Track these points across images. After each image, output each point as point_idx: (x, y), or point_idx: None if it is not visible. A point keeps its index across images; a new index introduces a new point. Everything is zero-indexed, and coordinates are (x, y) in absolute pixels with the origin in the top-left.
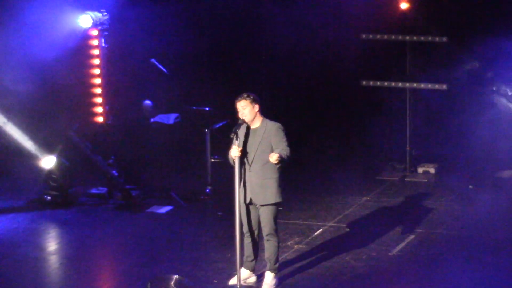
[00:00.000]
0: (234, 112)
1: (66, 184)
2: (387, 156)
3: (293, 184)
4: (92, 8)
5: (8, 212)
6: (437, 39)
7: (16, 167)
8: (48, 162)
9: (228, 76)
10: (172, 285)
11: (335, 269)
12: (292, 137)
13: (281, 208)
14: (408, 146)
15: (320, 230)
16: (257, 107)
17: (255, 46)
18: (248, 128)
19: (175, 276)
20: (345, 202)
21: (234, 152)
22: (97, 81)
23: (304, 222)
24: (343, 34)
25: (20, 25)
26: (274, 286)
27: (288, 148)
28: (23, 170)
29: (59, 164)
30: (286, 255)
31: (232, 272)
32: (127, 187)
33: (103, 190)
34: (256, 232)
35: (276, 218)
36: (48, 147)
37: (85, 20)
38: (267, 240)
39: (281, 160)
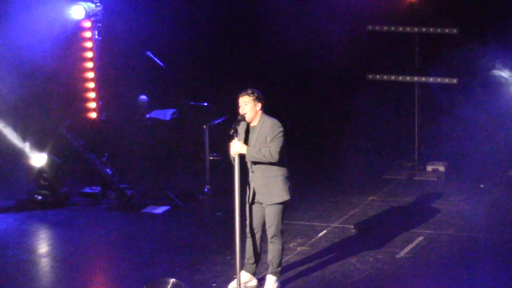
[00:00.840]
0: (234, 107)
1: (58, 183)
2: (394, 154)
3: (296, 183)
4: None
5: None
6: (447, 30)
7: (5, 165)
8: (38, 160)
9: (228, 70)
10: None
11: (340, 273)
12: (294, 134)
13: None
14: (416, 142)
15: (324, 231)
16: (259, 105)
17: (257, 39)
18: (248, 125)
19: (172, 280)
20: (351, 202)
21: (234, 148)
22: (90, 75)
23: (308, 223)
24: (348, 26)
25: (7, 16)
26: None
27: (276, 150)
28: (13, 169)
29: (50, 162)
30: (289, 258)
31: (232, 275)
32: (122, 186)
33: (96, 189)
34: (258, 234)
35: (282, 219)
36: (38, 145)
37: (77, 11)
38: (271, 242)
39: (249, 156)
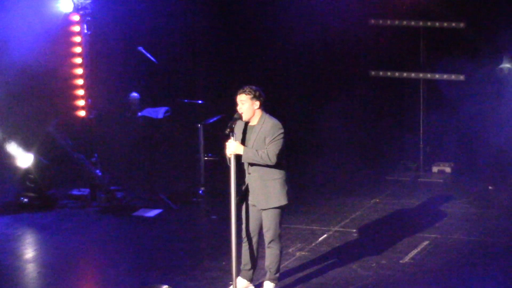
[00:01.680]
0: (230, 105)
1: (45, 185)
2: (399, 154)
3: (295, 184)
4: None
5: None
6: (453, 24)
7: None
8: (24, 160)
9: (223, 66)
10: None
11: (341, 279)
12: (295, 133)
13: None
14: (421, 143)
15: (325, 235)
16: (257, 104)
17: (255, 33)
18: (246, 124)
19: (165, 286)
20: (352, 205)
21: (230, 148)
22: (79, 71)
23: (307, 227)
24: (350, 20)
25: None
26: None
27: (274, 153)
28: None
29: (37, 163)
30: (287, 263)
31: (228, 282)
32: (112, 188)
33: (85, 191)
34: (255, 238)
35: (280, 223)
36: (24, 144)
37: (65, 4)
38: (269, 247)
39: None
